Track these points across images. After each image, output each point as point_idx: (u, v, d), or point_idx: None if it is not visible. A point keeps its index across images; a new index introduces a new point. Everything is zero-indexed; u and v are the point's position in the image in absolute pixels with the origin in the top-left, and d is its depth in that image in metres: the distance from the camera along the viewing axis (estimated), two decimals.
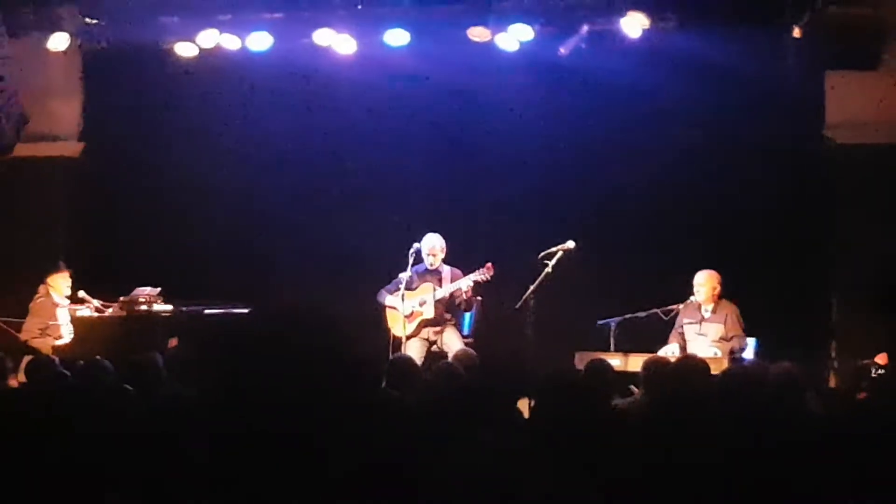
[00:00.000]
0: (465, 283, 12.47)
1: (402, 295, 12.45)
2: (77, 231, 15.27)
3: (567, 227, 12.57)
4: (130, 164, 15.04)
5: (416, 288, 12.60)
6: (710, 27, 12.56)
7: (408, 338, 12.43)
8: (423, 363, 11.72)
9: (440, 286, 12.59)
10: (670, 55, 12.98)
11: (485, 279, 12.42)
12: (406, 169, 14.52)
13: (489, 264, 12.40)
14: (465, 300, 12.60)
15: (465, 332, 12.96)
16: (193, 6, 13.84)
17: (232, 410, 3.11)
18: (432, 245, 12.67)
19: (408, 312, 12.48)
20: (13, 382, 10.09)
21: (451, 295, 12.55)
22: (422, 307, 12.53)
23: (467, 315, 13.04)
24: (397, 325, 12.52)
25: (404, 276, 12.50)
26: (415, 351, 12.16)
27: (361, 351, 7.81)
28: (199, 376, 6.93)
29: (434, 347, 12.60)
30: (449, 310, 12.65)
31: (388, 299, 12.70)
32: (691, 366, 7.92)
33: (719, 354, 11.33)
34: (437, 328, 12.60)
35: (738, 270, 12.39)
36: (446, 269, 12.71)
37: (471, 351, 9.99)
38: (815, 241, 13.59)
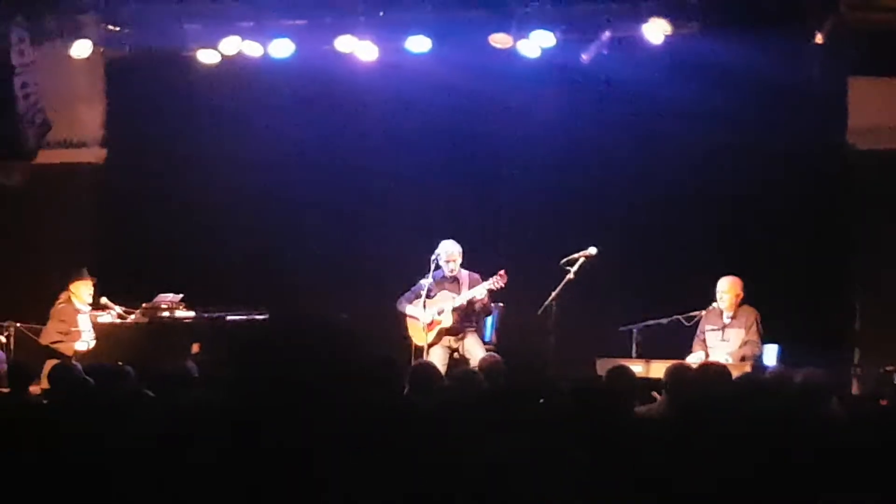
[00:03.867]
0: (479, 291, 12.43)
1: (424, 303, 12.43)
2: (99, 237, 15.30)
3: (589, 232, 12.56)
4: (152, 170, 15.07)
5: (434, 296, 12.55)
6: (732, 33, 12.52)
7: (429, 346, 12.40)
8: (447, 370, 11.68)
9: (459, 293, 12.53)
10: (692, 61, 12.95)
11: (499, 287, 12.37)
12: (427, 175, 14.49)
13: (502, 272, 12.36)
14: (483, 306, 12.56)
15: (487, 338, 12.93)
16: (215, 13, 13.86)
17: (253, 415, 3.11)
18: (450, 252, 12.61)
19: (427, 321, 12.46)
20: (35, 389, 10.12)
21: (469, 302, 12.50)
22: (440, 316, 12.48)
23: (489, 321, 13.01)
24: (418, 334, 12.50)
25: (425, 282, 12.50)
26: (437, 358, 12.12)
27: (382, 356, 7.81)
28: (222, 382, 6.93)
29: (455, 354, 12.56)
30: (467, 317, 12.59)
31: (409, 308, 12.65)
32: (714, 372, 7.90)
33: (730, 361, 11.29)
34: (458, 336, 12.55)
35: (761, 276, 12.37)
36: (464, 275, 12.64)
37: (496, 356, 9.95)
38: (837, 247, 13.54)
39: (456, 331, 12.51)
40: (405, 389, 8.18)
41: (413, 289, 12.72)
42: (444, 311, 12.45)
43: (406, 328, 12.68)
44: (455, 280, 12.63)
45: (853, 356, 13.44)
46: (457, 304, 12.44)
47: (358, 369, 3.19)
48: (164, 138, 15.03)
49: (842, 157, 13.57)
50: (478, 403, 7.42)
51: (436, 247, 12.60)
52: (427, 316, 12.44)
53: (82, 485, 5.81)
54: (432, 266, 12.51)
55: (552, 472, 5.37)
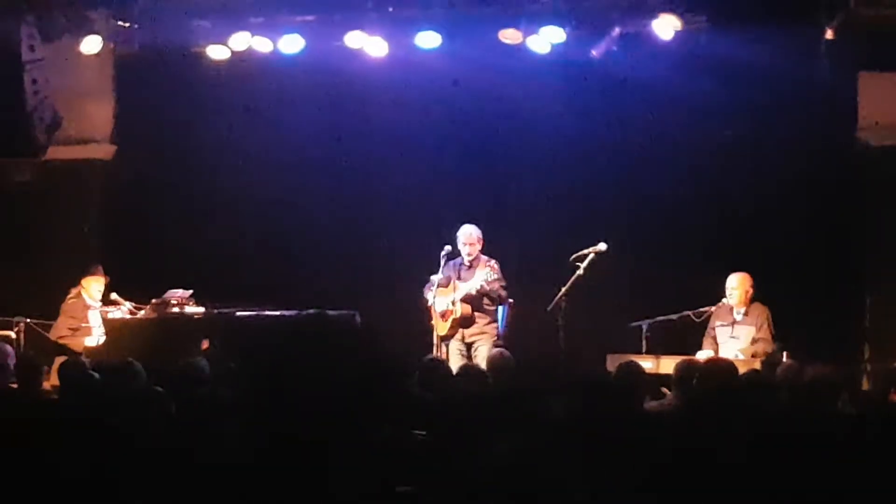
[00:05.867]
0: (478, 282, 12.35)
1: (445, 288, 12.40)
2: (109, 233, 15.32)
3: (599, 228, 12.55)
4: (162, 166, 15.09)
5: (449, 285, 12.47)
6: (742, 29, 12.51)
7: (446, 336, 12.37)
8: None
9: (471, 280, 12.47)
10: (702, 57, 12.94)
11: (493, 278, 12.28)
12: (437, 171, 14.51)
13: (493, 262, 12.32)
14: (490, 294, 12.44)
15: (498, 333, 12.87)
16: (225, 9, 13.86)
17: (262, 412, 3.11)
18: (469, 234, 12.54)
19: (441, 311, 12.43)
20: (46, 385, 10.14)
21: (478, 291, 12.41)
22: (452, 306, 12.43)
23: (499, 317, 12.95)
24: (439, 324, 12.46)
25: (435, 278, 12.46)
26: (454, 355, 12.16)
27: (393, 353, 7.81)
28: (233, 378, 6.95)
29: (473, 354, 12.48)
30: (478, 308, 12.49)
31: (429, 297, 12.58)
32: (722, 368, 7.89)
33: (740, 357, 11.27)
34: (470, 329, 12.47)
35: (771, 272, 12.36)
36: (483, 261, 12.47)
37: (506, 352, 9.92)
38: (847, 243, 13.52)
39: (468, 322, 12.44)
40: (416, 386, 8.18)
41: (432, 278, 12.66)
42: (455, 301, 12.40)
43: (430, 317, 12.63)
44: (471, 268, 12.55)
45: (863, 352, 13.43)
46: (463, 294, 12.39)
47: (370, 367, 3.19)
48: (173, 134, 15.04)
49: (852, 152, 13.55)
50: (487, 400, 7.43)
51: (445, 242, 12.54)
52: (441, 305, 12.41)
53: (91, 481, 5.82)
54: (442, 262, 12.44)
55: (561, 467, 5.37)
